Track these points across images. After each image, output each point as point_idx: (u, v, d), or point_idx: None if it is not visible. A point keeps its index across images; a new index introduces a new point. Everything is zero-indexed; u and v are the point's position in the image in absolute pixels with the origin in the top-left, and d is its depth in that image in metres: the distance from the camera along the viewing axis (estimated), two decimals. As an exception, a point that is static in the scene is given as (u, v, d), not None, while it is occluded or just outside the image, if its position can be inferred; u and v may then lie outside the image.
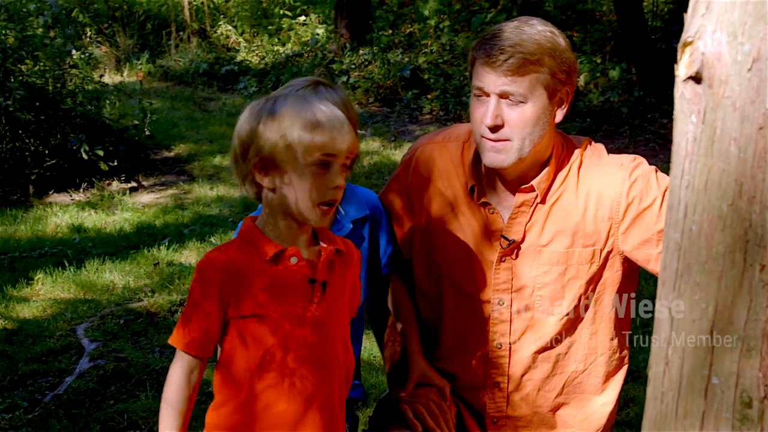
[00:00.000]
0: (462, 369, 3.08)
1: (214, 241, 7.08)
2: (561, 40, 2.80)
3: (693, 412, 1.47)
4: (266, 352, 2.44)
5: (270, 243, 2.46)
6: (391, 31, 14.34)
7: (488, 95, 2.78)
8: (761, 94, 1.36)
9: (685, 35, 1.43)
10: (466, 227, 3.00)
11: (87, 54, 9.48)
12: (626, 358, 3.12)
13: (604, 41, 13.01)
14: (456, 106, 11.70)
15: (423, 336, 3.11)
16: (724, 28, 1.37)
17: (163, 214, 7.87)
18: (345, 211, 2.94)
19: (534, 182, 2.88)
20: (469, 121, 2.92)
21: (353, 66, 12.89)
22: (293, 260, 2.44)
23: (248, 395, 2.46)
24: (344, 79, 12.55)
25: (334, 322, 2.50)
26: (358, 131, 2.88)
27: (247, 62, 13.85)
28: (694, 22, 1.42)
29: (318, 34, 14.19)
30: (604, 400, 3.10)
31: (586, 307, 2.99)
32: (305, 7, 15.42)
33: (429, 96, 12.21)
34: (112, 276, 6.40)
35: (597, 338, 3.02)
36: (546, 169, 2.89)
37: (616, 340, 3.05)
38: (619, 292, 3.00)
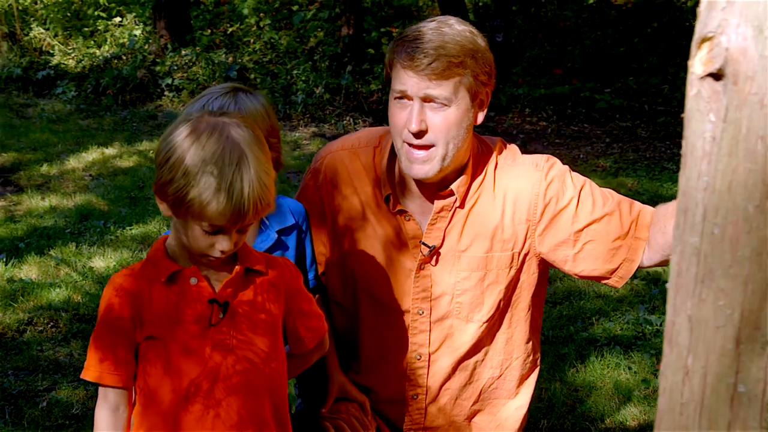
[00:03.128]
0: (380, 383, 2.98)
1: (54, 254, 6.72)
2: (480, 41, 2.73)
3: (718, 423, 1.40)
4: (191, 382, 2.29)
5: (170, 263, 2.33)
6: (210, 31, 14.06)
7: (411, 99, 2.67)
8: (788, 90, 1.30)
9: (703, 30, 1.35)
10: (381, 236, 2.89)
11: None
12: (538, 360, 3.10)
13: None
14: (285, 105, 11.58)
15: (338, 349, 2.99)
16: (749, 21, 1.30)
17: (-7, 228, 7.43)
18: (269, 222, 2.80)
19: (453, 186, 2.80)
20: (378, 124, 2.81)
21: (176, 67, 12.56)
22: (193, 281, 2.31)
23: (173, 422, 2.31)
24: (168, 81, 12.21)
25: (249, 343, 2.34)
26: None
27: (64, 66, 13.29)
28: (712, 16, 1.34)
29: (135, 36, 13.75)
30: (518, 404, 3.06)
31: (504, 313, 2.94)
32: (120, 7, 14.93)
33: (266, 98, 12.00)
34: (-52, 297, 5.98)
35: (513, 342, 2.98)
36: (464, 174, 2.81)
37: (530, 344, 3.02)
38: (534, 294, 2.96)
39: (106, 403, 2.35)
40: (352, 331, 2.99)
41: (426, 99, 2.67)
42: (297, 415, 3.02)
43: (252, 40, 13.61)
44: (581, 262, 2.83)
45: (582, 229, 2.80)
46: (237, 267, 2.34)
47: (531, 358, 3.05)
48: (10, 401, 4.71)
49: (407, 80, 2.67)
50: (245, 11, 14.48)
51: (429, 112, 2.68)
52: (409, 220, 2.86)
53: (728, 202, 1.36)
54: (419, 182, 2.83)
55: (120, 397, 2.34)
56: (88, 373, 2.34)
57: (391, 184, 2.87)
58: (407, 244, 2.88)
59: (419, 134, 2.68)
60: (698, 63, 1.36)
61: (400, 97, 2.70)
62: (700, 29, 1.36)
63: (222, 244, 2.23)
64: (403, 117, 2.69)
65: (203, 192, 2.14)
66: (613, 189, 2.97)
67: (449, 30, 2.69)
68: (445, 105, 2.67)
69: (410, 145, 2.70)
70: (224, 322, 2.31)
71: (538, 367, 3.10)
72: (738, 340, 1.37)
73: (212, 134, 2.18)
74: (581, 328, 5.65)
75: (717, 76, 1.35)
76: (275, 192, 2.29)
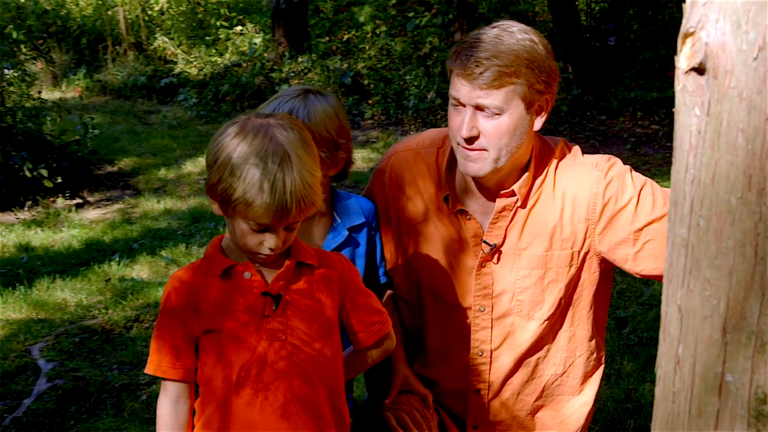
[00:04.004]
0: (444, 376, 3.02)
1: (165, 254, 6.95)
2: (540, 49, 2.72)
3: (707, 411, 1.42)
4: (241, 368, 2.37)
5: (225, 259, 2.42)
6: (327, 38, 14.27)
7: (464, 105, 2.71)
8: None
9: (686, 26, 1.37)
10: (443, 235, 2.94)
11: (23, 71, 9.23)
12: (603, 358, 3.09)
13: (540, 42, 13.02)
14: (397, 110, 11.67)
15: (405, 342, 3.05)
16: (728, 16, 1.32)
17: (111, 230, 7.71)
18: (341, 219, 2.90)
19: (515, 187, 2.82)
20: (430, 127, 2.87)
21: (293, 74, 12.78)
22: (247, 275, 2.39)
23: (225, 407, 2.40)
24: (285, 87, 12.42)
25: (299, 331, 2.42)
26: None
27: (186, 74, 13.67)
28: (694, 12, 1.36)
29: (256, 44, 14.05)
30: (582, 401, 3.06)
31: (566, 311, 2.95)
32: (241, 17, 15.28)
33: (370, 101, 12.16)
34: (64, 294, 6.24)
35: (576, 340, 2.98)
36: (526, 174, 2.84)
37: (594, 341, 3.02)
38: (597, 293, 2.96)
39: (166, 396, 2.45)
40: (418, 326, 3.04)
41: (478, 107, 2.69)
42: (362, 406, 3.09)
43: (367, 47, 13.75)
44: (642, 261, 2.82)
45: (642, 229, 2.80)
46: (288, 261, 2.42)
47: (595, 355, 3.04)
48: (112, 394, 4.90)
49: (460, 88, 2.70)
50: (362, 18, 14.64)
51: (481, 119, 2.70)
52: (469, 219, 2.90)
53: (712, 194, 1.38)
54: (479, 183, 2.86)
55: (180, 390, 2.44)
56: (150, 368, 2.44)
57: (451, 185, 2.91)
58: (468, 242, 2.91)
59: (470, 140, 2.71)
60: (683, 58, 1.39)
61: (455, 104, 2.74)
62: (684, 25, 1.38)
63: (270, 242, 2.30)
64: (457, 121, 2.73)
65: (248, 190, 2.22)
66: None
67: (508, 38, 2.69)
68: (497, 114, 2.68)
69: (463, 147, 2.74)
70: (276, 314, 2.38)
71: (603, 365, 3.09)
72: (725, 330, 1.39)
73: (257, 134, 2.27)
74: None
75: (700, 70, 1.37)
76: (321, 192, 2.35)
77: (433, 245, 2.95)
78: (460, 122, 2.72)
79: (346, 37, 14.29)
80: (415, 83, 12.03)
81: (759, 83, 1.32)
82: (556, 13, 12.00)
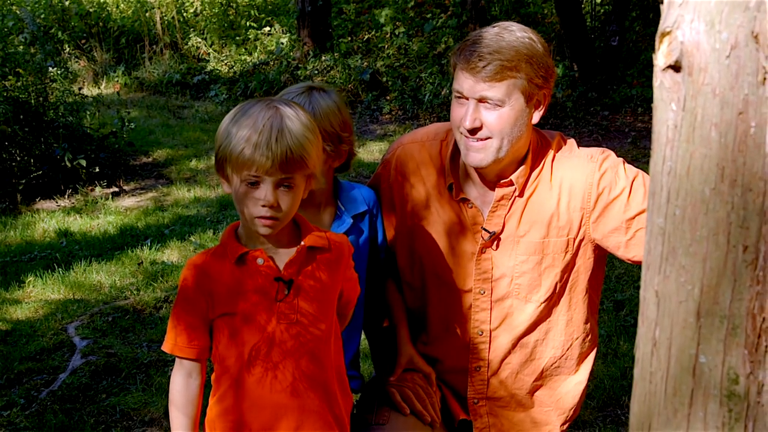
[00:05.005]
0: (445, 353, 3.02)
1: (193, 240, 6.96)
2: (539, 46, 2.73)
3: (682, 391, 1.40)
4: (252, 347, 2.36)
5: (239, 246, 2.40)
6: (349, 38, 14.23)
7: (467, 99, 2.71)
8: (740, 80, 1.29)
9: (663, 25, 1.35)
10: (445, 221, 2.93)
11: (66, 68, 9.25)
12: (596, 339, 3.08)
13: (547, 42, 12.88)
14: (413, 105, 11.63)
15: (410, 322, 3.04)
16: (702, 17, 1.30)
17: (144, 216, 7.72)
18: (345, 208, 2.89)
19: (513, 177, 2.82)
20: (443, 121, 2.86)
21: (316, 72, 12.76)
22: (260, 261, 2.37)
23: (237, 384, 2.39)
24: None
25: (308, 313, 2.40)
26: (349, 133, 2.80)
27: (217, 71, 13.67)
28: (671, 12, 1.34)
29: (282, 44, 14.02)
30: (578, 380, 3.05)
31: (561, 295, 2.93)
32: (270, 18, 15.26)
33: (388, 97, 12.12)
34: (99, 276, 6.26)
35: (573, 324, 2.97)
36: (523, 165, 2.83)
37: (588, 324, 3.01)
38: (591, 278, 2.94)
39: (180, 371, 2.45)
40: (421, 307, 3.03)
41: (481, 99, 2.70)
42: (368, 383, 3.08)
43: (386, 46, 13.71)
44: (633, 247, 2.81)
45: (633, 217, 2.78)
46: (299, 246, 2.40)
47: (590, 337, 3.03)
48: (142, 370, 4.92)
49: (464, 82, 2.70)
50: (382, 20, 14.59)
51: (483, 111, 2.71)
52: (471, 207, 2.89)
53: (687, 185, 1.36)
54: (480, 173, 2.85)
55: (192, 367, 2.44)
56: (167, 346, 2.44)
57: (455, 175, 2.91)
58: (469, 229, 2.90)
59: (474, 131, 2.71)
60: (660, 56, 1.37)
61: (459, 97, 2.74)
62: (660, 24, 1.36)
63: (265, 196, 2.26)
64: (461, 113, 2.73)
65: (239, 141, 2.23)
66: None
67: (508, 36, 2.70)
68: (499, 105, 2.69)
69: (466, 137, 2.74)
70: (289, 298, 2.37)
71: (597, 346, 3.08)
72: (698, 314, 1.37)
73: (256, 105, 2.29)
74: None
75: (676, 68, 1.35)
76: (316, 158, 2.33)
77: (435, 231, 2.94)
78: (464, 113, 2.72)
79: (366, 37, 14.24)
80: (431, 80, 11.98)
81: (731, 80, 1.29)
82: (563, 15, 11.92)
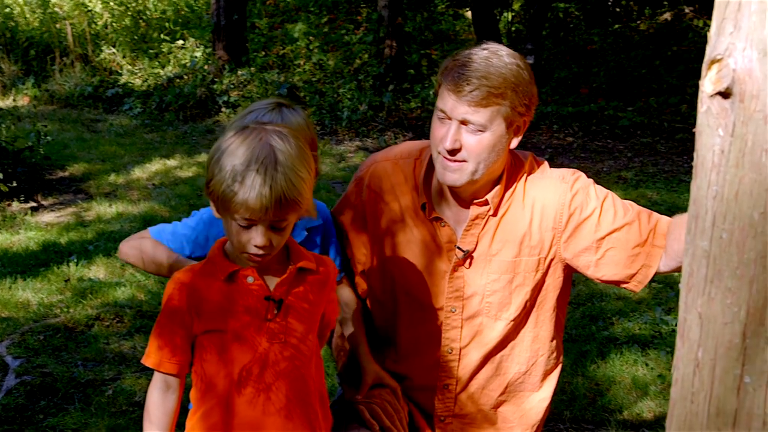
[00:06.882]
0: (415, 371, 3.00)
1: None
2: (525, 74, 2.72)
3: (726, 411, 1.42)
4: (243, 368, 2.33)
5: (229, 264, 2.36)
6: (264, 53, 14.15)
7: (450, 119, 2.70)
8: (790, 107, 1.32)
9: (713, 53, 1.37)
10: (418, 240, 2.92)
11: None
12: (561, 357, 3.11)
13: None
14: (332, 121, 11.62)
15: (376, 339, 3.03)
16: (755, 45, 1.32)
17: (66, 232, 7.52)
18: (299, 221, 2.85)
19: (488, 196, 2.83)
20: (417, 139, 2.85)
21: (233, 86, 12.64)
22: (250, 279, 2.34)
23: (226, 403, 2.35)
24: (225, 98, 12.30)
25: (297, 333, 2.38)
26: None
27: (131, 84, 13.42)
28: (721, 40, 1.36)
29: (196, 57, 13.86)
30: (541, 396, 3.07)
31: (530, 312, 2.95)
32: (183, 31, 15.07)
33: (306, 112, 12.07)
34: (26, 293, 6.06)
35: (539, 340, 2.99)
36: (498, 185, 2.84)
37: (554, 342, 3.03)
38: (559, 296, 2.97)
39: (158, 386, 2.40)
40: (391, 325, 3.02)
41: (464, 122, 2.69)
42: (336, 402, 3.06)
43: (302, 62, 13.68)
44: (603, 267, 2.84)
45: (604, 237, 2.81)
46: (290, 267, 2.37)
47: (555, 354, 3.06)
48: (79, 389, 4.78)
49: (448, 102, 2.69)
50: (296, 35, 14.56)
51: (465, 134, 2.70)
52: (444, 226, 2.89)
53: (735, 209, 1.37)
54: (455, 192, 2.85)
55: (171, 382, 2.39)
56: (148, 360, 2.39)
57: (428, 194, 2.90)
58: (442, 248, 2.90)
59: (453, 152, 2.71)
60: (708, 82, 1.38)
61: (442, 116, 2.73)
62: (709, 52, 1.38)
63: (257, 239, 2.23)
64: (442, 132, 2.73)
65: (231, 183, 2.18)
66: (634, 200, 2.97)
67: (497, 61, 2.68)
68: (480, 131, 2.69)
69: (444, 157, 2.74)
70: (278, 317, 2.34)
71: (561, 363, 3.11)
72: (744, 335, 1.39)
73: (250, 136, 2.23)
74: (602, 327, 5.65)
75: (725, 94, 1.37)
76: (308, 194, 2.29)
77: (409, 250, 2.93)
78: (445, 133, 2.71)
79: (281, 52, 14.19)
80: (348, 96, 12.00)
81: (783, 107, 1.32)
82: (480, 33, 12.08)
